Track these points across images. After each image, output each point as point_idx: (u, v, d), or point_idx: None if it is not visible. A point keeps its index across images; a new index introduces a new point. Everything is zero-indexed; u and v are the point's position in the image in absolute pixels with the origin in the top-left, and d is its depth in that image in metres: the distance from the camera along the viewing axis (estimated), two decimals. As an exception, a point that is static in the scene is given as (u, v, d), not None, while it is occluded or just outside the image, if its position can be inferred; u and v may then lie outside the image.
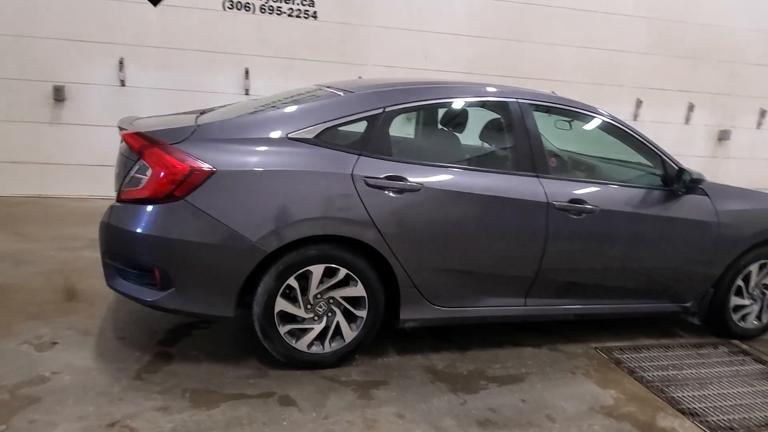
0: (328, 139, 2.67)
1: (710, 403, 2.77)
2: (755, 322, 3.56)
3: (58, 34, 5.48)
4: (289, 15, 6.01)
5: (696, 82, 7.38)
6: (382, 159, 2.70)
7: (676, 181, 3.15)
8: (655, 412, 2.63)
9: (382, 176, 2.65)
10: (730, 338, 3.54)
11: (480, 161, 3.11)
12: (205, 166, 2.44)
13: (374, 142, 2.71)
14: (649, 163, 3.28)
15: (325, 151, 2.63)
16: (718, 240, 3.26)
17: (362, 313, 2.74)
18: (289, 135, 2.62)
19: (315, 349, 2.71)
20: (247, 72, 5.98)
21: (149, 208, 2.47)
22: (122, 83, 5.71)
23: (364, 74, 6.29)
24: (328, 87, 3.23)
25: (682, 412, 2.66)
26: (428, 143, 3.34)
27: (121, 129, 2.77)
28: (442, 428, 2.36)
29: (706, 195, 3.26)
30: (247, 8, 5.88)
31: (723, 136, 7.63)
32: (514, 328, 3.36)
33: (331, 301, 2.71)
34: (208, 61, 5.88)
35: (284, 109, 2.78)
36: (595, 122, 3.24)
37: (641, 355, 3.23)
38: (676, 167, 3.21)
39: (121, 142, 3.00)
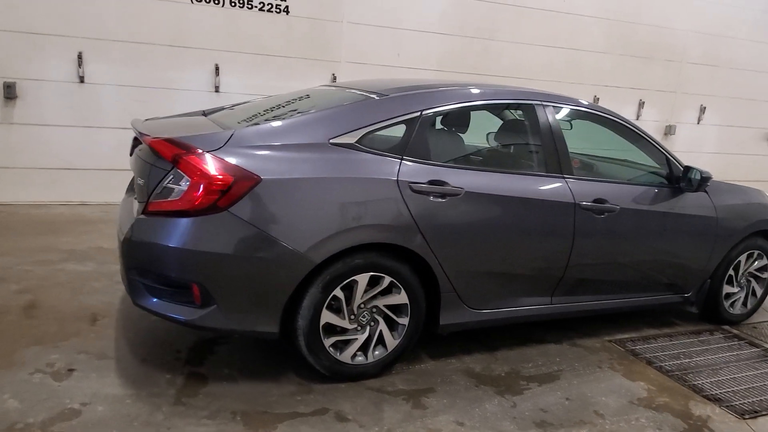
0: (368, 143, 2.59)
1: (727, 388, 2.94)
2: (742, 309, 3.83)
3: (7, 25, 4.97)
4: (260, 9, 5.78)
5: (646, 80, 7.81)
6: (423, 163, 2.65)
7: (683, 179, 3.31)
8: (686, 401, 2.76)
9: (425, 181, 2.60)
10: (721, 324, 3.78)
11: (513, 163, 3.13)
12: (251, 175, 2.30)
13: (414, 145, 2.66)
14: (655, 162, 3.43)
15: (368, 156, 2.56)
16: (716, 233, 3.47)
17: (404, 321, 2.69)
18: (331, 140, 2.52)
19: (359, 360, 2.64)
20: (217, 68, 5.70)
21: (188, 220, 2.30)
22: (81, 80, 5.28)
23: (337, 72, 6.17)
24: (347, 87, 3.13)
25: (708, 398, 2.81)
26: (465, 146, 3.31)
27: (142, 134, 2.55)
28: (499, 428, 2.36)
29: (705, 191, 3.45)
30: (216, 1, 5.59)
31: (669, 131, 8.13)
32: (532, 326, 3.41)
33: (374, 310, 2.64)
34: (176, 57, 5.55)
35: (320, 113, 2.66)
36: (606, 122, 3.34)
37: (652, 345, 3.38)
38: (681, 166, 3.38)
39: (137, 147, 2.79)
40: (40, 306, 3.16)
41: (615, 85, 7.60)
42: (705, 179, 3.24)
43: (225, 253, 2.31)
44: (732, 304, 3.77)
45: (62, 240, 4.35)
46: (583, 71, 7.39)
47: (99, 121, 5.43)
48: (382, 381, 2.68)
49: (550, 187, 2.94)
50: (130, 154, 2.88)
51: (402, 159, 2.61)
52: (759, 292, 3.87)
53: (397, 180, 2.54)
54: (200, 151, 2.34)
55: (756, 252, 3.72)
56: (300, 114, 2.70)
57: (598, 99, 7.50)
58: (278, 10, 5.84)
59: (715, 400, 2.81)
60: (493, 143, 3.19)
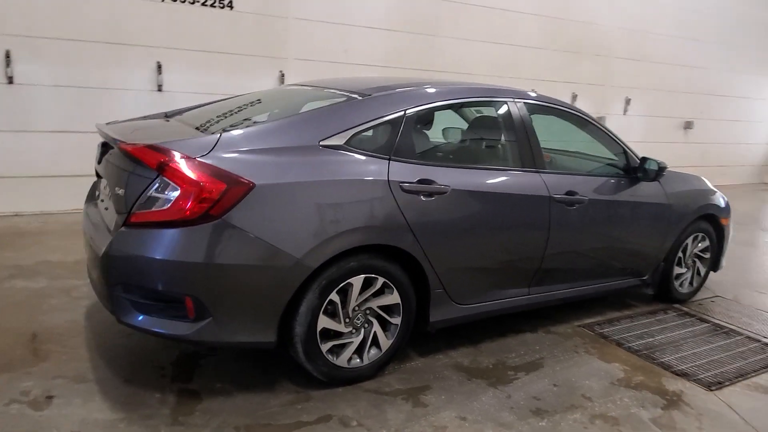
0: (357, 144, 2.57)
1: (691, 362, 3.18)
2: (689, 287, 4.13)
3: None
4: (203, 4, 5.56)
5: (577, 74, 8.21)
6: (410, 163, 2.67)
7: (640, 170, 3.52)
8: (658, 378, 2.95)
9: (414, 180, 2.62)
10: (672, 303, 4.07)
11: (492, 159, 3.20)
12: (244, 181, 2.23)
13: (400, 145, 2.67)
14: (612, 154, 3.63)
15: (358, 157, 2.54)
16: (669, 219, 3.72)
17: (397, 321, 2.70)
18: (321, 142, 2.48)
19: (354, 363, 2.63)
20: (159, 66, 5.43)
21: (178, 231, 2.19)
22: (10, 80, 4.87)
23: (285, 69, 6.06)
24: (322, 87, 3.09)
25: (677, 374, 3.02)
26: (446, 144, 3.34)
27: (116, 140, 2.40)
28: (506, 424, 2.43)
29: (657, 180, 3.69)
30: (156, -5, 5.33)
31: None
32: (509, 317, 3.52)
33: (368, 311, 2.64)
34: (114, 54, 5.24)
35: (307, 114, 2.60)
36: (572, 118, 3.50)
37: (617, 327, 3.59)
38: (637, 157, 3.59)
39: (106, 153, 2.62)
40: (-4, 330, 2.91)
41: (550, 79, 7.93)
42: (662, 169, 3.47)
43: (220, 263, 2.22)
44: (681, 284, 4.06)
45: (3, 255, 4.02)
46: (520, 66, 7.66)
47: (32, 124, 5.04)
48: (378, 382, 2.68)
49: (528, 181, 3.04)
50: (98, 161, 2.69)
51: (390, 159, 2.61)
52: (702, 271, 4.19)
53: (388, 180, 2.55)
54: (187, 157, 2.24)
55: (700, 234, 4.03)
56: (284, 115, 2.63)
57: (535, 92, 7.79)
58: (222, 5, 5.65)
59: (683, 375, 3.02)
60: (476, 141, 3.25)
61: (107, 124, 2.96)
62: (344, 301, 2.54)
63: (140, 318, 2.30)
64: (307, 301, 2.41)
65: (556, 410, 2.57)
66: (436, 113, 3.14)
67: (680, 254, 3.95)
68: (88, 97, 5.18)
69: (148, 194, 2.24)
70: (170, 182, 2.20)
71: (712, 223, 4.06)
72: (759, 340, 3.54)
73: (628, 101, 8.80)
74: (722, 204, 4.11)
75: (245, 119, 2.91)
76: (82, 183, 5.33)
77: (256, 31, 5.85)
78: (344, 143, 2.53)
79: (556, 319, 3.60)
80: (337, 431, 2.29)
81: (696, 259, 4.13)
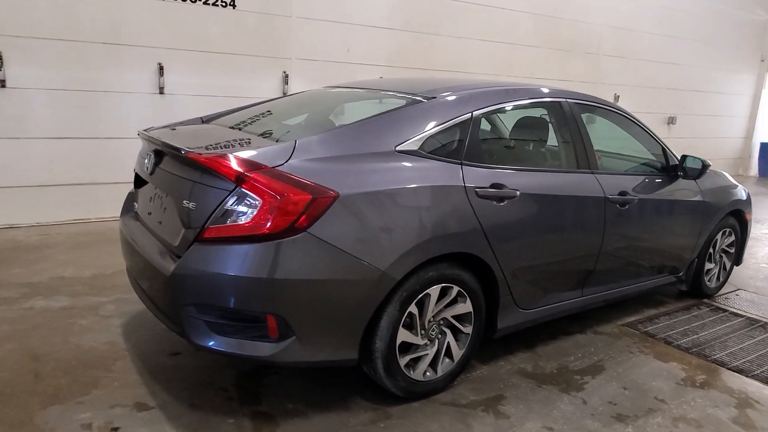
0: (429, 149, 2.46)
1: (742, 358, 3.19)
2: (716, 282, 4.19)
3: None
4: (205, 3, 5.33)
5: (571, 72, 8.28)
6: (481, 167, 2.58)
7: (680, 168, 3.53)
8: (718, 376, 2.96)
9: (488, 185, 2.54)
10: (701, 298, 4.11)
11: (553, 162, 3.14)
12: (328, 191, 2.10)
13: (469, 149, 2.58)
14: (651, 153, 3.63)
15: (433, 163, 2.44)
16: (704, 215, 3.75)
17: (468, 330, 2.61)
18: (397, 147, 2.37)
19: (428, 375, 2.52)
20: (160, 67, 5.18)
21: (261, 245, 2.04)
22: (2, 84, 4.55)
23: (289, 69, 5.88)
24: (367, 89, 2.98)
25: (734, 370, 3.03)
26: (510, 146, 3.26)
27: (180, 149, 2.22)
28: (594, 431, 2.38)
29: (698, 178, 3.71)
30: (156, -7, 5.08)
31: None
32: (556, 320, 3.47)
33: (441, 322, 2.54)
34: (114, 56, 4.97)
35: (379, 118, 2.48)
36: (615, 117, 3.48)
37: (659, 325, 3.59)
38: (675, 156, 3.60)
39: (159, 163, 2.43)
40: (31, 356, 2.69)
41: (545, 76, 7.97)
42: (705, 167, 3.49)
43: (304, 278, 2.08)
44: (710, 279, 4.11)
45: (12, 272, 3.74)
46: (517, 64, 7.67)
47: (27, 131, 4.73)
48: (452, 394, 2.59)
49: (586, 182, 3.00)
50: (150, 171, 2.50)
51: (462, 164, 2.52)
52: (728, 265, 4.26)
53: (464, 186, 2.45)
54: (267, 167, 2.09)
55: (728, 230, 4.08)
56: (354, 120, 2.49)
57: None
58: (224, 4, 5.43)
59: (739, 371, 3.04)
60: (538, 143, 3.17)
61: (146, 130, 2.77)
62: (420, 312, 2.43)
63: (217, 340, 2.14)
64: (387, 314, 2.29)
65: (637, 415, 2.53)
66: (512, 115, 3.07)
67: (710, 250, 3.99)
68: (86, 101, 4.90)
69: (225, 207, 2.08)
70: (250, 194, 2.05)
71: (737, 218, 4.12)
72: (796, 333, 3.61)
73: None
74: (745, 198, 4.17)
75: (302, 123, 2.77)
76: (80, 192, 5.07)
77: (258, 31, 5.66)
78: (418, 148, 2.43)
79: (600, 319, 3.58)
80: (429, 450, 2.19)
81: (722, 254, 4.18)
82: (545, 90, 3.12)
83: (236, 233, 2.06)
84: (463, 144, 2.57)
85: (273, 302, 2.08)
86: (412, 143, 2.41)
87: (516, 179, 2.66)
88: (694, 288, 4.02)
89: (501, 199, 2.58)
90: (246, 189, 2.06)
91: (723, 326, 3.65)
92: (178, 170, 2.29)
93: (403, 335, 2.37)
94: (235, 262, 2.06)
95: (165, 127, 2.93)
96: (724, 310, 3.94)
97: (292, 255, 2.06)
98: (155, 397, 2.41)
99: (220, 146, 2.32)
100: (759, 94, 11.44)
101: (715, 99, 10.64)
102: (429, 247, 2.32)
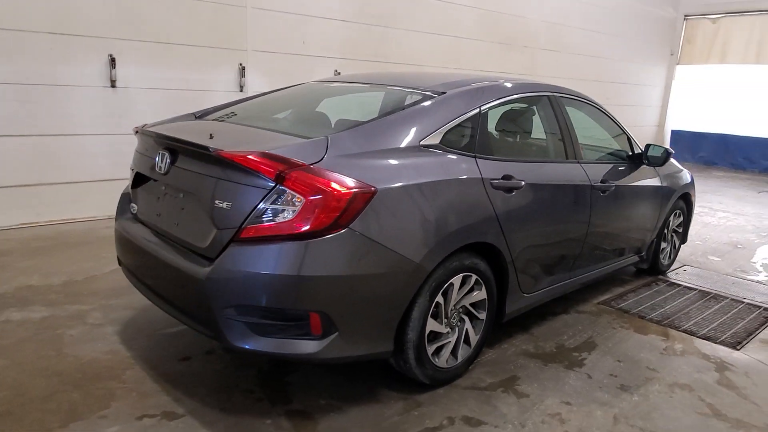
0: (447, 143, 2.54)
1: (706, 327, 3.54)
2: (668, 260, 4.58)
3: None
4: (157, -9, 5.07)
5: (510, 65, 8.62)
6: (492, 159, 2.69)
7: (646, 156, 3.83)
8: (692, 344, 3.26)
9: (500, 177, 2.65)
10: (657, 275, 4.49)
11: (548, 153, 3.29)
12: (367, 187, 2.12)
13: (480, 142, 2.68)
14: (617, 142, 3.90)
15: (454, 156, 2.52)
16: (662, 199, 4.10)
17: (483, 316, 2.73)
18: (421, 142, 2.42)
19: (450, 362, 2.62)
20: (112, 59, 4.88)
21: (304, 243, 2.03)
22: (-64, 77, 4.12)
23: (245, 61, 5.72)
24: (368, 83, 3.00)
25: (704, 338, 3.36)
26: (513, 139, 3.37)
27: (206, 147, 2.15)
28: (607, 402, 2.57)
29: (663, 165, 4.02)
30: (105, -20, 4.76)
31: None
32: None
33: (461, 309, 2.64)
34: (62, 47, 4.62)
35: (402, 113, 2.51)
36: (588, 109, 3.70)
37: (629, 302, 3.89)
38: (637, 144, 3.90)
39: (174, 161, 2.34)
40: (28, 372, 2.50)
41: (488, 69, 8.25)
42: (669, 154, 3.80)
43: (348, 274, 2.10)
44: (664, 257, 4.49)
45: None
46: (463, 57, 7.88)
47: (-34, 128, 4.31)
48: (470, 378, 2.70)
49: (575, 171, 3.19)
50: (165, 171, 2.39)
51: (476, 157, 2.61)
52: (677, 244, 4.67)
53: (482, 178, 2.55)
54: (303, 164, 2.08)
55: (678, 211, 4.47)
56: (377, 115, 2.51)
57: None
58: (177, -7, 5.18)
59: (708, 338, 3.37)
60: (535, 135, 3.31)
61: (147, 127, 2.64)
62: (445, 301, 2.51)
63: (258, 341, 2.11)
64: (418, 305, 2.35)
65: (637, 384, 2.75)
66: (512, 109, 3.19)
67: (665, 230, 4.36)
68: (29, 96, 4.53)
69: (265, 206, 2.05)
70: (292, 192, 2.04)
71: (685, 201, 4.52)
72: (742, 302, 4.03)
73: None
74: (690, 181, 4.58)
75: (314, 119, 2.76)
76: (27, 194, 4.69)
77: (214, 21, 5.45)
78: (439, 143, 2.49)
79: (578, 300, 3.82)
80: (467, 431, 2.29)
81: (673, 234, 4.58)
82: (538, 84, 3.28)
83: (278, 232, 2.04)
84: (474, 138, 2.66)
85: (317, 299, 2.08)
86: (434, 137, 2.48)
87: (521, 170, 2.80)
88: (652, 266, 4.38)
89: (510, 189, 2.70)
90: (287, 187, 2.04)
91: (682, 299, 4.01)
92: (205, 169, 2.22)
93: (431, 324, 2.45)
94: (278, 261, 2.04)
95: (160, 123, 2.81)
96: (678, 285, 4.33)
97: (335, 251, 2.07)
98: (181, 404, 2.34)
99: (250, 144, 2.27)
100: (670, 85, 12.44)
101: (632, 90, 11.45)
102: (456, 237, 2.40)
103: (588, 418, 2.43)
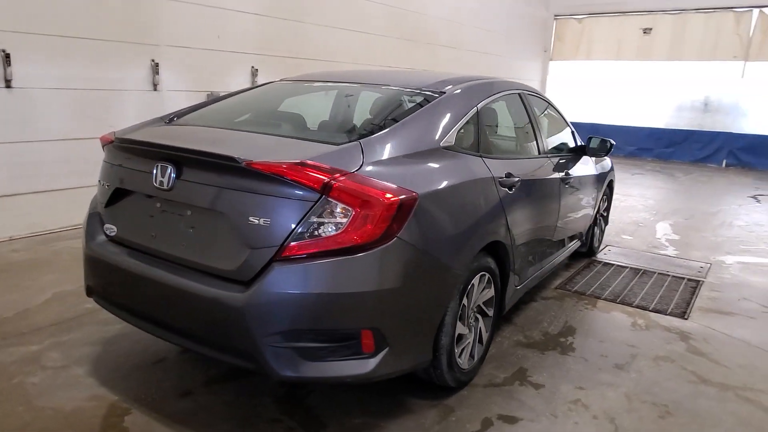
0: (459, 144, 2.52)
1: (652, 301, 3.90)
2: (598, 242, 4.99)
3: None
4: (56, -23, 4.43)
5: (416, 61, 8.78)
6: (493, 158, 2.72)
7: (589, 147, 4.10)
8: (649, 318, 3.58)
9: (503, 175, 2.69)
10: (590, 256, 4.86)
11: (527, 148, 3.35)
12: (410, 194, 2.04)
13: (481, 141, 2.70)
14: (563, 135, 4.15)
15: (467, 157, 2.51)
16: (598, 185, 4.44)
17: (491, 312, 2.77)
18: (441, 144, 2.38)
19: (469, 362, 2.62)
20: (6, 56, 4.18)
21: (356, 257, 1.91)
22: None
23: (158, 57, 5.22)
24: (351, 83, 2.91)
25: (655, 311, 3.71)
26: (501, 137, 3.37)
27: (238, 158, 1.92)
28: (614, 383, 2.73)
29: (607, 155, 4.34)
30: (-7, -37, 4.07)
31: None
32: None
33: (475, 309, 2.65)
34: (-58, 40, 3.87)
35: (419, 115, 2.42)
36: (543, 105, 3.89)
37: (580, 283, 4.18)
38: (579, 138, 4.19)
39: (180, 173, 2.07)
40: (54, 417, 2.09)
41: (395, 65, 8.34)
42: (612, 146, 4.11)
43: (399, 286, 2.01)
44: (595, 240, 4.88)
45: None
46: (374, 53, 7.89)
47: None
48: (483, 376, 2.72)
49: (548, 166, 3.34)
50: (167, 186, 2.09)
51: (481, 156, 2.63)
52: (604, 227, 5.10)
53: (493, 177, 2.57)
54: (348, 172, 1.95)
55: (604, 196, 4.88)
56: (385, 115, 2.41)
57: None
58: (79, -20, 4.58)
59: (659, 311, 3.72)
60: (515, 131, 3.36)
61: (129, 137, 2.31)
62: (468, 303, 2.51)
63: (308, 367, 1.94)
64: (451, 309, 2.32)
65: (627, 362, 2.96)
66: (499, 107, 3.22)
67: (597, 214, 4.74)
68: None
69: (310, 220, 1.89)
70: (339, 203, 1.90)
71: (608, 186, 4.95)
72: (668, 275, 4.50)
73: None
74: (612, 167, 5.01)
75: (325, 121, 2.60)
76: None
77: (123, 14, 4.89)
78: (454, 143, 2.47)
79: (539, 287, 4.02)
80: (510, 430, 2.30)
81: (601, 217, 4.99)
82: (510, 82, 3.37)
83: (326, 247, 1.90)
84: (477, 137, 2.68)
85: (371, 315, 1.97)
86: (449, 138, 2.45)
87: (514, 167, 2.86)
88: (588, 248, 4.74)
89: (512, 186, 2.75)
90: (333, 198, 1.89)
91: (621, 277, 4.39)
92: (229, 182, 1.98)
93: (459, 328, 2.43)
94: (331, 279, 1.90)
95: (130, 130, 2.47)
96: (612, 264, 4.73)
97: (386, 263, 1.97)
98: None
99: (277, 153, 2.06)
100: (545, 80, 13.49)
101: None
102: (481, 238, 2.41)
103: (604, 400, 2.58)
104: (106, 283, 2.36)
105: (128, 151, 2.28)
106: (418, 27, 8.69)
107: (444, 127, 2.45)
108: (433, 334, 2.24)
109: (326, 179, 1.89)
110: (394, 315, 2.03)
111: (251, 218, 1.92)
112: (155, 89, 5.24)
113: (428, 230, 2.12)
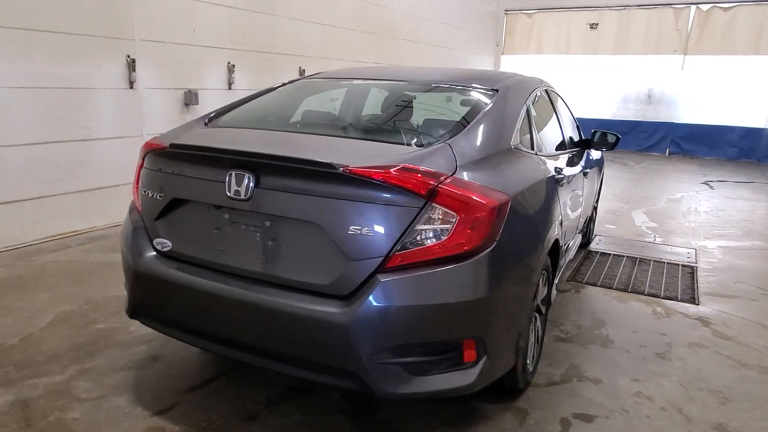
0: (522, 143, 2.48)
1: (660, 288, 4.03)
2: (591, 232, 5.12)
3: None
4: (22, -36, 4.01)
5: (381, 55, 8.69)
6: (543, 156, 2.70)
7: (594, 141, 4.15)
8: (665, 305, 3.69)
9: (554, 172, 2.68)
10: (586, 247, 4.98)
11: (560, 144, 3.33)
12: (505, 197, 1.97)
13: (534, 139, 2.68)
14: (574, 130, 4.20)
15: (531, 155, 2.48)
16: (598, 177, 4.54)
17: (545, 310, 2.75)
18: (513, 143, 2.32)
19: (532, 363, 2.59)
20: (-30, 51, 3.75)
21: (463, 265, 1.83)
22: None
23: (133, 52, 4.85)
24: (397, 80, 2.81)
25: (667, 299, 3.83)
26: (541, 133, 3.26)
27: (335, 164, 1.78)
28: (661, 372, 2.78)
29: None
30: (-48, -54, 3.62)
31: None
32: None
33: (535, 308, 2.61)
34: None
35: (491, 115, 2.34)
36: (558, 99, 3.91)
37: (588, 274, 4.26)
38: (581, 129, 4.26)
39: (256, 179, 1.91)
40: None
41: (363, 60, 8.21)
42: (618, 139, 4.19)
43: (498, 291, 1.94)
44: (590, 231, 5.00)
45: None
46: (342, 47, 7.73)
47: None
48: (540, 375, 2.70)
49: (574, 160, 3.37)
50: (247, 197, 1.91)
51: (536, 154, 2.60)
52: (595, 217, 5.23)
53: (553, 175, 2.55)
54: (448, 176, 1.86)
55: (598, 188, 5.01)
56: (464, 118, 2.33)
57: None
58: (47, -32, 4.17)
59: (670, 298, 3.85)
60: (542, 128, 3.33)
61: (177, 144, 2.10)
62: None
63: (417, 383, 1.84)
64: (530, 311, 2.28)
65: (666, 350, 3.03)
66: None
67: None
68: None
69: (417, 228, 1.79)
70: (444, 209, 1.80)
71: (600, 178, 5.08)
72: (663, 262, 4.67)
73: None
74: (602, 158, 5.12)
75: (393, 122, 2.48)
76: None
77: (96, 6, 4.50)
78: (519, 143, 2.42)
79: (553, 279, 4.06)
80: (595, 424, 2.30)
81: (593, 209, 5.11)
82: (535, 78, 3.35)
83: (434, 255, 1.80)
84: (531, 135, 2.64)
85: (476, 324, 1.89)
86: (516, 137, 2.40)
87: (558, 163, 2.86)
88: (586, 240, 4.85)
89: (561, 183, 2.74)
90: (438, 203, 1.80)
91: (622, 266, 4.51)
92: (322, 190, 1.83)
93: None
94: (441, 288, 1.81)
95: (171, 134, 2.26)
96: (608, 254, 4.86)
97: (490, 269, 1.90)
98: (298, 473, 1.94)
99: (365, 157, 1.92)
100: (496, 73, 13.74)
101: (472, 78, 12.41)
102: (550, 237, 2.38)
103: (663, 390, 2.62)
104: (162, 303, 2.14)
105: (188, 158, 2.07)
106: (381, 20, 8.60)
107: (511, 126, 2.40)
108: (517, 337, 2.19)
109: (432, 184, 1.79)
110: (493, 322, 1.96)
111: (351, 228, 1.79)
112: (131, 87, 4.88)
113: (517, 233, 2.06)
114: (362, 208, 1.80)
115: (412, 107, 2.62)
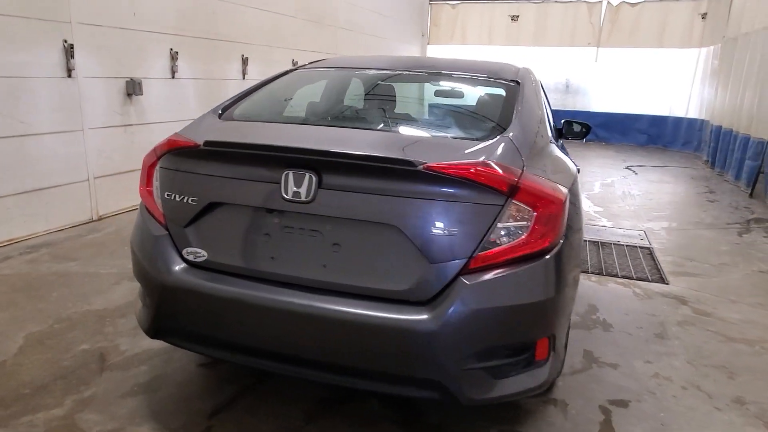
0: (552, 136, 2.48)
1: (630, 270, 4.23)
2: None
3: None
4: (-60, -69, 3.43)
5: (321, 44, 8.45)
6: (560, 148, 2.71)
7: (568, 131, 4.28)
8: (641, 286, 3.89)
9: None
10: (548, 233, 5.14)
11: (554, 136, 3.35)
12: (566, 190, 1.95)
13: (554, 132, 2.68)
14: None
15: (559, 149, 2.47)
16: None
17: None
18: (551, 136, 2.31)
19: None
20: None
21: (541, 262, 1.79)
22: None
23: (71, 36, 4.35)
24: (420, 71, 2.69)
25: (639, 279, 4.03)
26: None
27: (415, 162, 1.66)
28: (670, 352, 2.92)
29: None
30: None
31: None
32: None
33: (558, 299, 2.65)
34: None
35: (530, 108, 2.29)
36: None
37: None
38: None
39: (318, 179, 1.76)
40: None
41: (304, 48, 7.95)
42: (590, 129, 4.32)
43: (567, 287, 1.92)
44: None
45: None
46: (284, 34, 7.42)
47: None
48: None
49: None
50: (309, 198, 1.73)
51: (560, 145, 2.61)
52: (554, 204, 5.41)
53: (576, 167, 2.57)
54: (520, 171, 1.80)
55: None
56: (505, 110, 2.27)
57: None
58: (-30, -63, 3.61)
59: (641, 279, 4.06)
60: None
61: (212, 142, 1.88)
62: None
63: (501, 386, 1.79)
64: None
65: (662, 330, 3.19)
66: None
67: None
68: None
69: (499, 226, 1.72)
70: (521, 205, 1.75)
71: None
72: (622, 245, 4.93)
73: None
74: None
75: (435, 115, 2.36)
76: None
77: (25, -19, 3.97)
78: (551, 136, 2.41)
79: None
80: (629, 414, 2.35)
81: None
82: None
83: (516, 254, 1.74)
84: (549, 126, 2.64)
85: (554, 321, 1.87)
86: (550, 130, 2.38)
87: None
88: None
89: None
90: (518, 200, 1.74)
91: (588, 250, 4.70)
92: (398, 190, 1.70)
93: (564, 321, 2.41)
94: (524, 287, 1.76)
95: (191, 130, 2.03)
96: (594, 242, 5.05)
97: (564, 265, 1.87)
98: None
99: (437, 153, 1.81)
100: (422, 63, 13.86)
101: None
102: (582, 228, 2.40)
103: (675, 370, 2.75)
104: (197, 320, 1.91)
105: (229, 157, 1.85)
106: (321, 8, 8.36)
107: (544, 118, 2.38)
108: (568, 330, 2.19)
109: (514, 180, 1.72)
110: (561, 318, 1.94)
111: (434, 229, 1.68)
112: (70, 76, 4.36)
113: (573, 227, 2.05)
114: (443, 207, 1.70)
115: (445, 99, 2.53)
